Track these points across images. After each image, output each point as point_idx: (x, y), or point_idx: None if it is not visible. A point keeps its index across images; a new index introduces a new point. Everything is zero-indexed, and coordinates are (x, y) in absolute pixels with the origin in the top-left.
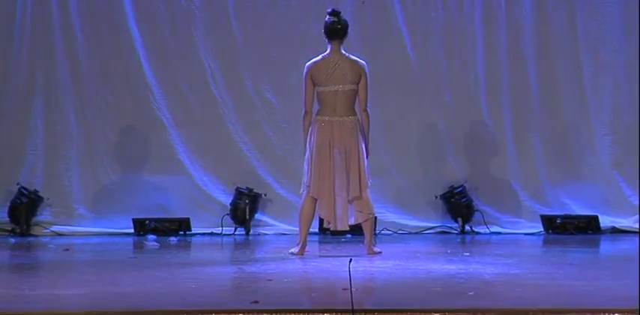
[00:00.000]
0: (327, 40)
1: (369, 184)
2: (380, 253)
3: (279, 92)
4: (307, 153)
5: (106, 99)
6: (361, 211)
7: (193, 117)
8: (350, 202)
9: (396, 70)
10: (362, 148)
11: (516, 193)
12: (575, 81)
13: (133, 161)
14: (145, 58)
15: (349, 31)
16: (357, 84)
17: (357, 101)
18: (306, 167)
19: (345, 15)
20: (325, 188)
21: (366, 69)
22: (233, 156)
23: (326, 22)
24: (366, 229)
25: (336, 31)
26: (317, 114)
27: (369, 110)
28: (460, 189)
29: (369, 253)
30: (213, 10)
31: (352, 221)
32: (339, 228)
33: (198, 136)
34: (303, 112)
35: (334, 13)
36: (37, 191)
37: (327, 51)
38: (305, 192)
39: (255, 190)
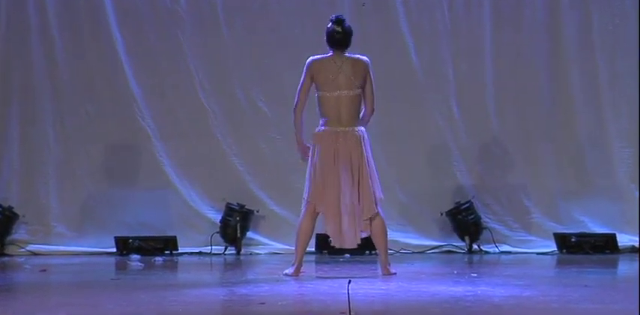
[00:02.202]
0: (329, 48)
1: (381, 198)
2: (394, 274)
3: (271, 101)
4: (309, 167)
5: (86, 108)
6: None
7: (180, 128)
8: (367, 220)
9: (398, 77)
10: (371, 161)
11: (528, 209)
12: (590, 89)
13: (116, 175)
14: (128, 65)
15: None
16: (363, 88)
17: (362, 107)
18: (307, 181)
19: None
20: (331, 202)
21: (369, 65)
22: (223, 170)
23: (328, 30)
24: (380, 246)
25: (340, 41)
26: (321, 124)
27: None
28: (467, 205)
29: (384, 274)
30: (202, 13)
31: (364, 234)
32: (347, 246)
33: (185, 149)
34: (295, 103)
35: (338, 21)
36: (12, 207)
37: (330, 54)
38: (305, 208)
39: (246, 207)
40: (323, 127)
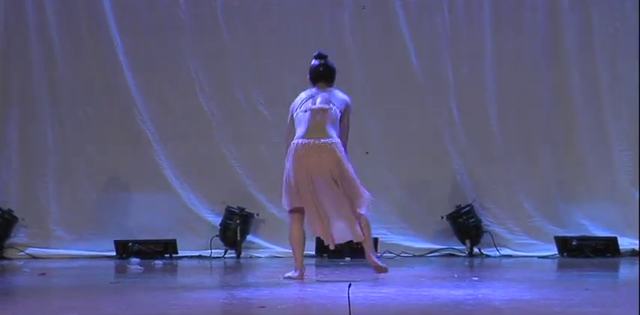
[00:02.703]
0: (311, 84)
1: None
2: (385, 269)
3: (272, 104)
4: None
5: (85, 110)
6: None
7: (180, 130)
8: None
9: (398, 79)
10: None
11: (528, 212)
12: (590, 91)
13: (115, 178)
14: (128, 67)
15: (350, 36)
16: (342, 113)
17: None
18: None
19: (343, 21)
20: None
21: (350, 104)
22: (223, 173)
23: (311, 66)
24: (364, 241)
25: (322, 74)
26: (295, 137)
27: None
28: (468, 208)
29: (372, 265)
30: (201, 15)
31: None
32: (337, 240)
33: (184, 151)
34: (285, 136)
35: (320, 55)
36: (12, 210)
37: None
38: (290, 216)
39: (246, 210)
40: (296, 140)
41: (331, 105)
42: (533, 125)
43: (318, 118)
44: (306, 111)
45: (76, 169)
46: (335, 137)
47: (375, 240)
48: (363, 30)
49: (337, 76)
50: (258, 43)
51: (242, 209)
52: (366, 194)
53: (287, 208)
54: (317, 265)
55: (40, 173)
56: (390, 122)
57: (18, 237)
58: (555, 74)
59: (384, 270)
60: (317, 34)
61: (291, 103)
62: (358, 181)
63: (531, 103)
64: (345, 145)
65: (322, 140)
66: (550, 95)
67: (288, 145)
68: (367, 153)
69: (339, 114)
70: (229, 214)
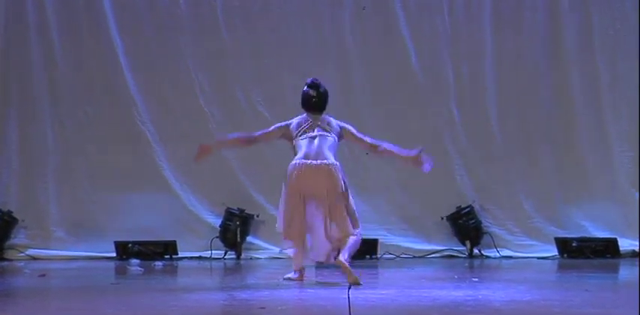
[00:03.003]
0: (304, 111)
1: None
2: (353, 274)
3: (272, 104)
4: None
5: (85, 111)
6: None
7: (179, 131)
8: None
9: (398, 80)
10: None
11: (528, 213)
12: (590, 91)
13: (115, 179)
14: (127, 67)
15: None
16: (339, 138)
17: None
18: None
19: (343, 21)
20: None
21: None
22: (223, 174)
23: (303, 94)
24: (344, 245)
25: (316, 105)
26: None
27: None
28: (468, 209)
29: (335, 262)
30: (201, 15)
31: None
32: (316, 259)
33: (184, 152)
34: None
35: (313, 85)
36: (11, 212)
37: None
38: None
39: (246, 211)
40: (295, 161)
41: (330, 133)
42: (533, 125)
43: (316, 142)
44: (304, 138)
45: (76, 170)
46: (333, 159)
47: (375, 241)
48: (363, 30)
49: (337, 76)
50: (258, 43)
51: (242, 210)
52: (356, 231)
53: (279, 231)
54: (317, 267)
55: (40, 174)
56: (390, 122)
57: (18, 238)
58: (555, 74)
59: (355, 280)
60: (317, 34)
61: (291, 104)
62: (353, 208)
63: (531, 103)
64: (382, 143)
65: (320, 161)
66: (550, 95)
67: (248, 138)
68: (367, 153)
69: (337, 139)
70: (229, 215)
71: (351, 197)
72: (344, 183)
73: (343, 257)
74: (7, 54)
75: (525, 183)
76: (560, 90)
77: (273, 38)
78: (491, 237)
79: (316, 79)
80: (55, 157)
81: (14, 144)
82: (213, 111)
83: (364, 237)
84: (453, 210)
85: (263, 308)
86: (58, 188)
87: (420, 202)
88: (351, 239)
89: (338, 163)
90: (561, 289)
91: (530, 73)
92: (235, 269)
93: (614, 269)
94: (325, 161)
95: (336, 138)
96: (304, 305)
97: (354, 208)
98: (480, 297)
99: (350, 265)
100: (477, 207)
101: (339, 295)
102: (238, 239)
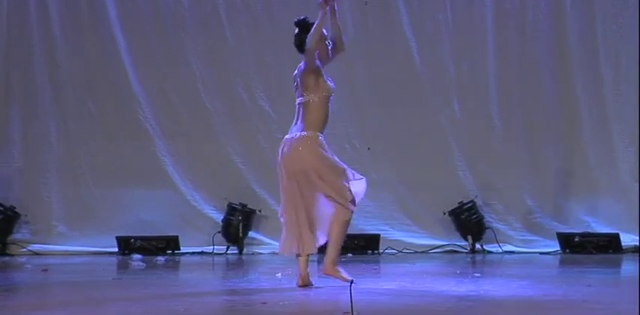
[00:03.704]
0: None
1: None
2: (344, 278)
3: (274, 100)
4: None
5: (88, 107)
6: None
7: (182, 127)
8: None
9: (400, 76)
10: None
11: (531, 209)
12: (593, 88)
13: (117, 174)
14: (130, 64)
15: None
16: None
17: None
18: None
19: (345, 16)
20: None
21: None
22: (225, 169)
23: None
24: (331, 238)
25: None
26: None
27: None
28: (470, 205)
29: (323, 271)
30: (204, 12)
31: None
32: (306, 252)
33: (187, 148)
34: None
35: (296, 22)
36: (14, 207)
37: None
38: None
39: (248, 206)
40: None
41: (297, 90)
42: (535, 121)
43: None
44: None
45: (79, 166)
46: (299, 130)
47: (377, 236)
48: (365, 25)
49: (338, 75)
50: (260, 40)
51: (244, 205)
52: (344, 185)
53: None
54: (319, 262)
55: (43, 169)
56: (392, 119)
57: (20, 233)
58: (558, 71)
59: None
60: None
61: (293, 99)
62: (339, 183)
63: (533, 99)
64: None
65: (287, 136)
66: (552, 91)
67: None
68: (369, 149)
69: (302, 93)
70: (231, 210)
71: (333, 168)
72: (318, 155)
73: (336, 268)
74: (11, 52)
75: (527, 178)
76: (563, 86)
77: (275, 34)
78: (494, 232)
79: (298, 17)
80: (57, 152)
81: (17, 140)
82: (216, 107)
83: (365, 232)
84: (455, 205)
85: (265, 303)
86: (61, 183)
87: (422, 197)
88: (338, 225)
89: (305, 133)
90: (563, 285)
91: (532, 70)
92: (237, 264)
93: (617, 264)
94: (287, 135)
95: (302, 92)
96: (306, 300)
97: (342, 183)
98: (482, 292)
99: (340, 267)
100: (479, 202)
101: (341, 290)
102: (240, 234)
